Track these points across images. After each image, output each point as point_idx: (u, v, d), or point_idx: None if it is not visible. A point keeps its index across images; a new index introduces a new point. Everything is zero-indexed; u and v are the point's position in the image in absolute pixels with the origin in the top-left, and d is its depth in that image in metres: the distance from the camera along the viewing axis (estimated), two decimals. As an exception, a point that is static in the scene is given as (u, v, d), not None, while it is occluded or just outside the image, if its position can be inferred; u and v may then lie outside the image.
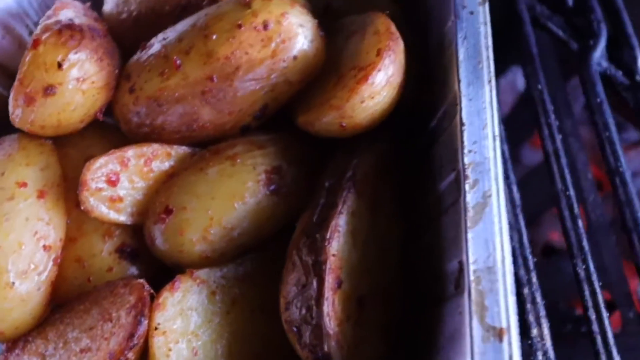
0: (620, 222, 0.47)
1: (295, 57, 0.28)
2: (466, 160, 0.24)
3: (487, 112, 0.25)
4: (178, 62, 0.28)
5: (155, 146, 0.29)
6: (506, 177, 0.41)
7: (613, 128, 0.37)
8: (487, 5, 0.28)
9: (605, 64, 0.40)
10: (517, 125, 0.58)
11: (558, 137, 0.37)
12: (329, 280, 0.24)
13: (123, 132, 0.31)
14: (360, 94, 0.26)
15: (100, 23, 0.32)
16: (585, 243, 0.39)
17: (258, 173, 0.29)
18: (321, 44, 0.29)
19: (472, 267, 0.22)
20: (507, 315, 0.21)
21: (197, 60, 0.28)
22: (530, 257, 0.38)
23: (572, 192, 0.39)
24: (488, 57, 0.26)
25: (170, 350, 0.25)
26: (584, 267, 0.38)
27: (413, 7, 0.33)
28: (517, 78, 0.61)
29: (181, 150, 0.30)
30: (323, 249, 0.25)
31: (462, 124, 0.24)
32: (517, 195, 0.41)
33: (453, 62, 0.26)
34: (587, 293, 0.37)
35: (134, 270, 0.30)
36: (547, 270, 0.56)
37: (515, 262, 0.39)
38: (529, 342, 0.31)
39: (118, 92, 0.30)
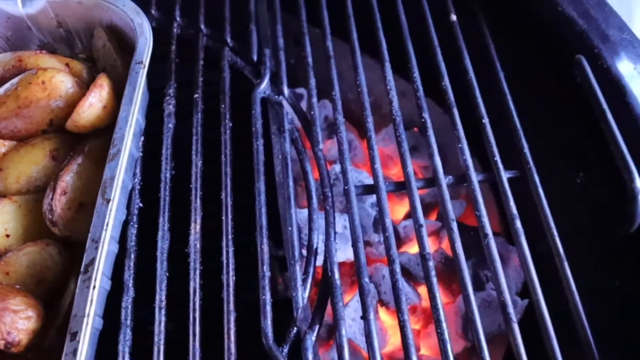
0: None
1: (61, 96, 0.60)
2: (115, 136, 0.55)
3: (130, 117, 0.56)
4: (4, 100, 0.60)
5: (-5, 141, 0.61)
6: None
7: (259, 128, 0.68)
8: (145, 68, 0.60)
9: (268, 92, 0.72)
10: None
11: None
12: (57, 192, 0.55)
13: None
14: (77, 111, 0.58)
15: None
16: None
17: (45, 151, 0.60)
18: (77, 89, 0.61)
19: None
20: (115, 193, 0.52)
21: (12, 100, 0.59)
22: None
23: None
24: (138, 94, 0.58)
25: (-8, 228, 0.56)
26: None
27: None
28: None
29: (11, 142, 0.61)
30: (58, 179, 0.56)
31: (117, 124, 0.56)
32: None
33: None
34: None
35: (-11, 202, 0.61)
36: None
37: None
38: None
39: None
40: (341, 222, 0.72)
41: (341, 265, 0.70)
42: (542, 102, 0.70)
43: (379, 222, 0.73)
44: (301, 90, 0.88)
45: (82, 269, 0.48)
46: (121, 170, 0.53)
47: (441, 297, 0.63)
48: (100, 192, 0.52)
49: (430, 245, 0.79)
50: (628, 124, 0.58)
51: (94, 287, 0.47)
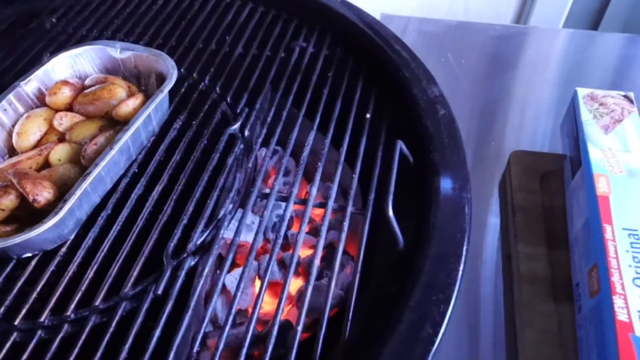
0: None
1: (116, 99, 1.07)
2: (129, 122, 1.00)
3: (142, 115, 1.01)
4: (88, 94, 1.08)
5: (74, 114, 1.08)
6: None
7: (220, 147, 1.10)
8: (163, 94, 1.05)
9: (236, 131, 1.15)
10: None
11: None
12: (92, 142, 0.99)
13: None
14: (119, 106, 1.04)
15: (81, 84, 1.14)
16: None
17: (97, 126, 1.05)
18: (125, 95, 1.08)
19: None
20: (117, 146, 0.95)
21: (91, 95, 1.07)
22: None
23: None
24: (152, 105, 1.03)
25: (52, 156, 1.01)
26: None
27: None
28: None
29: (82, 117, 1.09)
30: (95, 137, 1.01)
31: (133, 117, 1.01)
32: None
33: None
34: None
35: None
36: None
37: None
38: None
39: (73, 100, 1.11)
40: (251, 219, 1.08)
41: (241, 245, 1.06)
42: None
43: (276, 226, 1.09)
44: (276, 147, 1.29)
45: (83, 175, 0.91)
46: (125, 137, 0.97)
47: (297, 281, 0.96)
48: (110, 145, 0.96)
49: (302, 250, 1.12)
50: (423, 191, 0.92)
51: (87, 183, 0.89)
